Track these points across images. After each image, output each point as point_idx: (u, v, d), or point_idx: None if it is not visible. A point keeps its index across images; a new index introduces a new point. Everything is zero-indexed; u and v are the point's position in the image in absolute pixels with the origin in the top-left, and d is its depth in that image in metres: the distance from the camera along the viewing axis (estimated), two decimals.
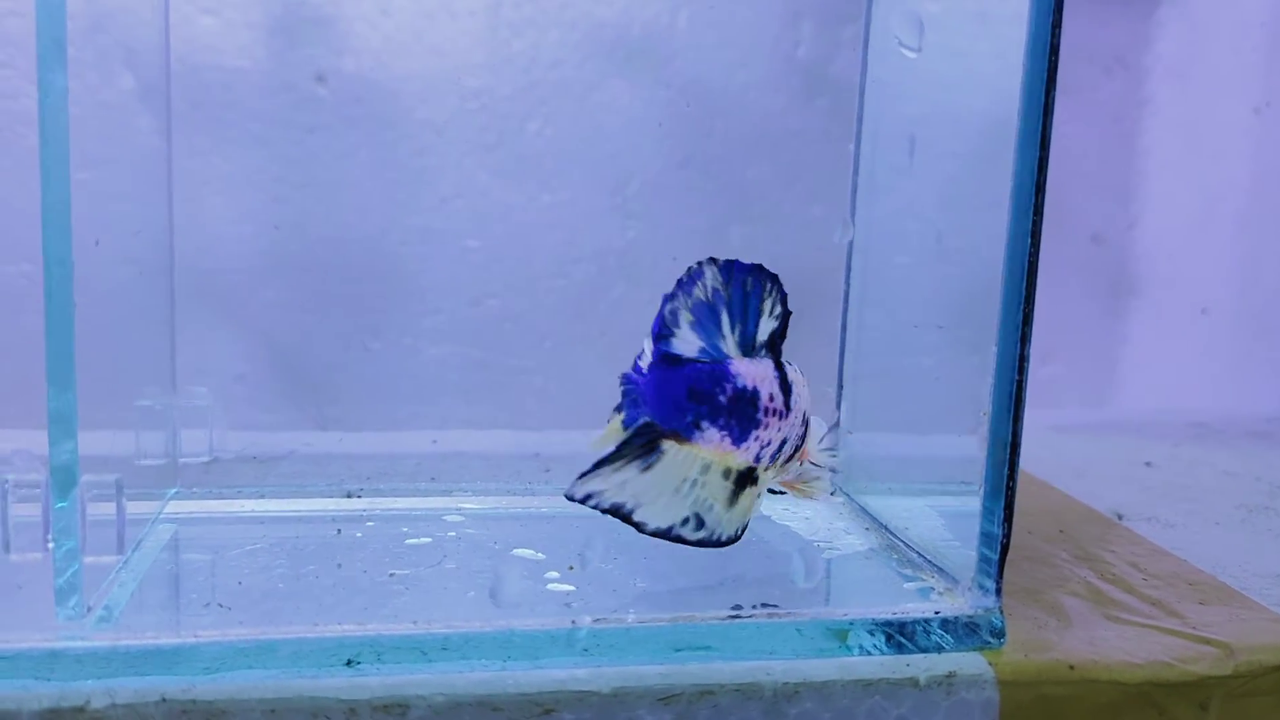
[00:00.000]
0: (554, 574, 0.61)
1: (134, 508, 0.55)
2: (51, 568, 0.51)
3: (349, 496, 0.71)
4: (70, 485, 0.50)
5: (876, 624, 0.55)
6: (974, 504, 0.55)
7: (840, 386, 0.78)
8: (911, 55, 0.69)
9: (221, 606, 0.55)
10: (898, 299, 0.73)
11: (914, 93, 0.73)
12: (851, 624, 0.55)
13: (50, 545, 0.50)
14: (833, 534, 0.71)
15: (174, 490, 0.74)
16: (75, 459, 0.50)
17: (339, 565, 0.61)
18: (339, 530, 0.66)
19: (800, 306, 0.93)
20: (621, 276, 0.93)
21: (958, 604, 0.58)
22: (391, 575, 0.60)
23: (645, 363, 0.62)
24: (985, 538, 0.56)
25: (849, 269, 0.82)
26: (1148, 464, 0.99)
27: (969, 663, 0.54)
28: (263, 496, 0.72)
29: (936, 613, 0.57)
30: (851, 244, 0.80)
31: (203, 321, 0.86)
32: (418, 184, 0.89)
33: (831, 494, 0.68)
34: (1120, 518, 0.82)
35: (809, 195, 0.95)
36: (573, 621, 0.53)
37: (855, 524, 0.73)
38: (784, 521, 0.72)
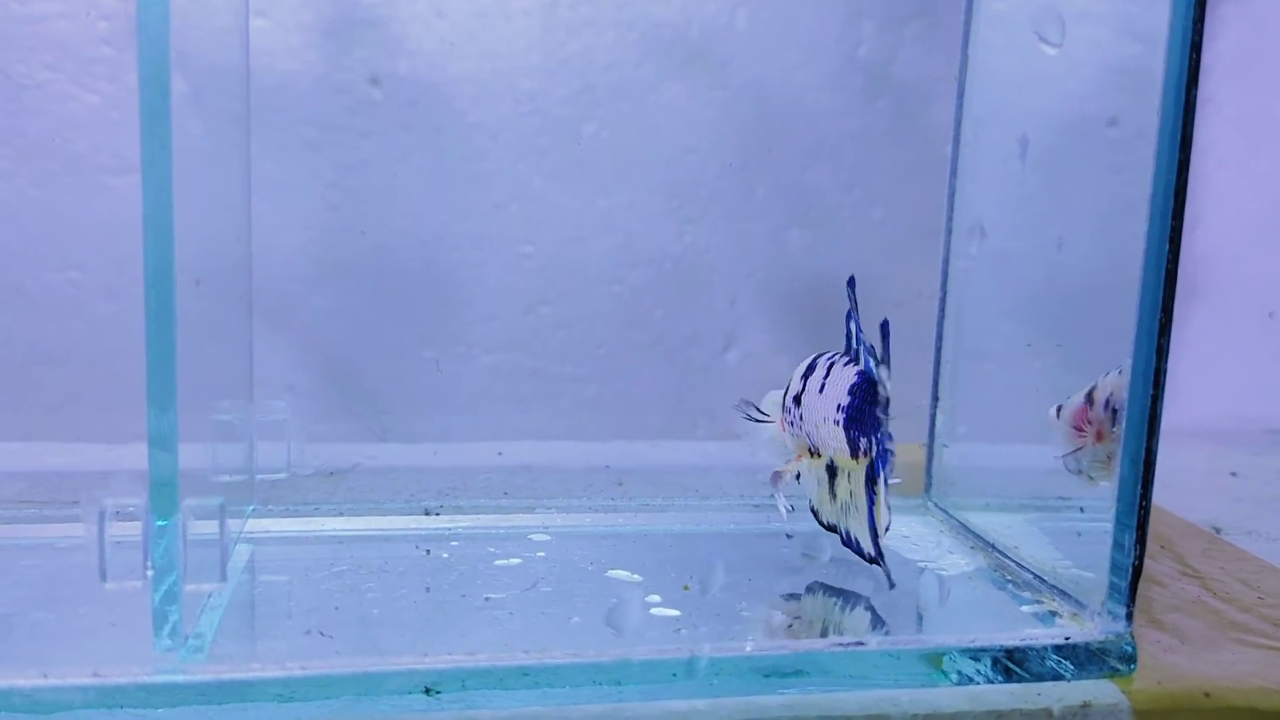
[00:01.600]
0: (655, 597, 0.58)
1: (211, 527, 0.53)
2: (150, 596, 0.48)
3: (428, 514, 0.68)
4: (172, 510, 0.48)
5: (1000, 650, 0.53)
6: (1082, 521, 0.53)
7: (935, 398, 0.76)
8: (1052, 52, 0.66)
9: (323, 635, 0.52)
10: (999, 307, 0.70)
11: (1028, 91, 0.70)
12: (976, 651, 0.53)
13: (149, 573, 0.47)
14: (938, 552, 0.68)
15: (251, 508, 0.72)
16: (176, 482, 0.47)
17: (427, 589, 0.58)
18: (427, 551, 0.63)
19: (869, 312, 0.91)
20: (677, 282, 0.91)
21: (1087, 629, 0.55)
22: (488, 600, 0.57)
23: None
24: (1116, 557, 0.53)
25: (945, 275, 0.79)
26: (1233, 474, 0.96)
27: (1102, 692, 0.52)
28: (340, 514, 0.70)
29: (1067, 639, 0.54)
30: (948, 250, 0.77)
31: (253, 330, 0.85)
32: (471, 189, 0.87)
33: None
34: (1218, 531, 0.79)
35: (869, 199, 0.93)
36: (691, 651, 0.51)
37: (958, 542, 0.70)
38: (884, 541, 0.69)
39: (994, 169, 0.74)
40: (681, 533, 0.66)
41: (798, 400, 0.65)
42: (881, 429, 0.58)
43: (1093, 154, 0.62)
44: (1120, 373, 0.53)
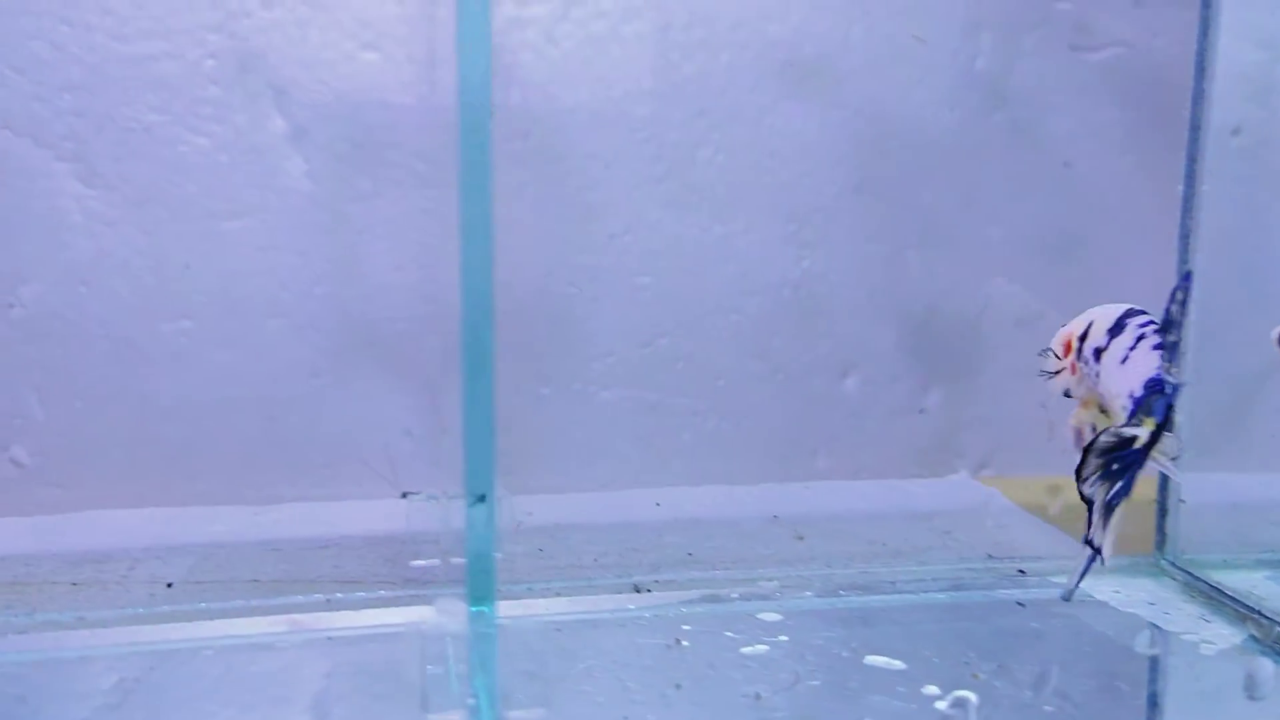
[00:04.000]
0: (932, 688, 0.53)
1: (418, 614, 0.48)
2: None
3: (638, 590, 0.64)
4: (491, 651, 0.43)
5: None
6: None
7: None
8: None
9: None
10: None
11: None
12: None
13: (471, 701, 0.43)
14: (1191, 623, 0.63)
15: (455, 591, 0.64)
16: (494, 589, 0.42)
17: (678, 686, 0.54)
18: (677, 640, 0.58)
19: (991, 333, 0.88)
20: (796, 309, 0.88)
21: None
22: (759, 698, 0.53)
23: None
24: None
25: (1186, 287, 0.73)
26: None
27: None
28: (552, 594, 0.63)
29: None
30: (1184, 258, 0.72)
31: (366, 374, 0.82)
32: (586, 220, 0.84)
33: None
34: None
35: (987, 216, 0.90)
36: None
37: (1210, 608, 0.64)
38: (1128, 608, 0.65)
39: (1240, 178, 0.70)
40: (907, 604, 0.62)
41: (1099, 354, 0.62)
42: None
43: None
44: None
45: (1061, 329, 0.63)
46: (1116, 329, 0.60)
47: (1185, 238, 0.71)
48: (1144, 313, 0.62)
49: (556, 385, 0.85)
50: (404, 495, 0.81)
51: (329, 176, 0.79)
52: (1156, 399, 0.56)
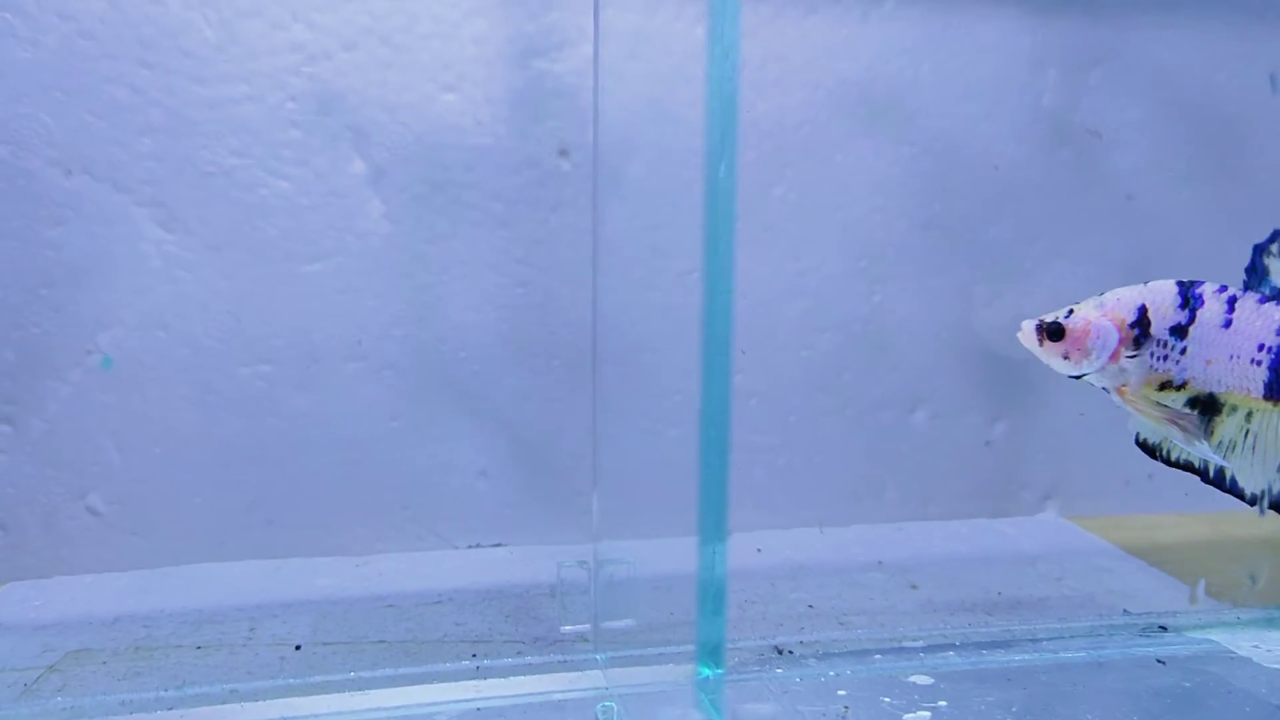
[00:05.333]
0: None
1: (569, 681, 0.45)
2: None
3: (780, 652, 0.62)
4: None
5: None
6: None
7: None
8: None
9: None
10: None
11: None
12: None
13: None
14: None
15: (601, 657, 0.62)
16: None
17: None
18: (845, 709, 0.56)
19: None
20: (866, 343, 0.88)
21: None
22: None
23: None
24: None
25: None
26: None
27: None
28: (688, 660, 0.57)
29: None
30: None
31: (443, 414, 0.81)
32: (659, 257, 0.84)
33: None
34: None
35: (1052, 250, 0.90)
36: None
37: None
38: (1271, 664, 0.63)
39: None
40: (1051, 664, 0.61)
41: (1178, 331, 0.62)
42: None
43: None
44: None
45: (1063, 321, 0.62)
46: (1193, 302, 0.61)
47: None
48: (1201, 282, 0.63)
49: (626, 424, 0.85)
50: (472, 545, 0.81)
51: (407, 218, 0.79)
52: None
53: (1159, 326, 0.62)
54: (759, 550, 0.77)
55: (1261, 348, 0.60)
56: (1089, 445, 0.92)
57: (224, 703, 0.50)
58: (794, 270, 0.86)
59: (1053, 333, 0.62)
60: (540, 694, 0.52)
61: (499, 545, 0.78)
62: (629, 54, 0.82)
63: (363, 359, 0.79)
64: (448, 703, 0.50)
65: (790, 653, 0.60)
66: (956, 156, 0.87)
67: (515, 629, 0.60)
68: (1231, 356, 0.60)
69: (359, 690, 0.51)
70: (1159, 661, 0.61)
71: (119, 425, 0.76)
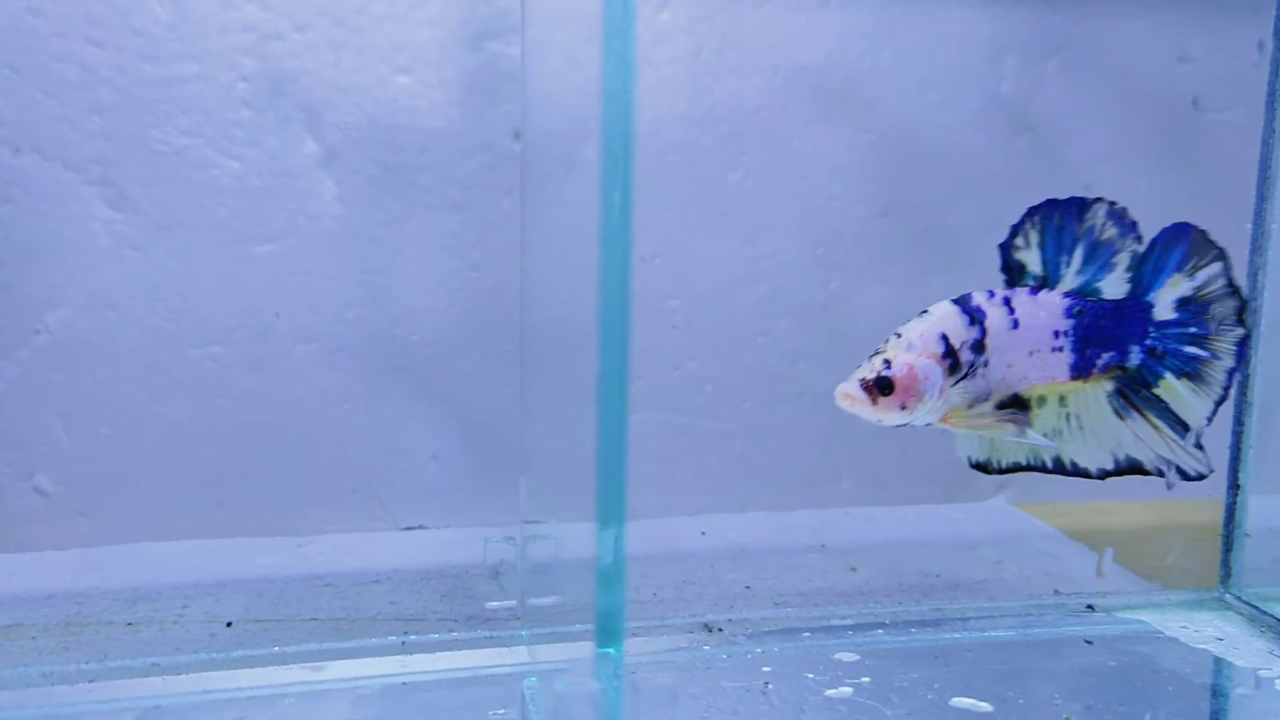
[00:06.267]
0: None
1: (496, 657, 0.46)
2: None
3: (709, 629, 0.63)
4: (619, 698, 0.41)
5: None
6: None
7: (1235, 458, 0.70)
8: None
9: None
10: None
11: None
12: None
13: None
14: (1259, 656, 0.62)
15: (527, 633, 0.63)
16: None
17: None
18: (767, 685, 0.58)
19: None
20: (823, 331, 0.88)
21: None
22: None
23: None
24: None
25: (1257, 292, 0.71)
26: None
27: None
28: (633, 635, 0.60)
29: None
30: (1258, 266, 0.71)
31: (396, 398, 0.81)
32: None
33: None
34: None
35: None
36: None
37: (1278, 643, 0.63)
38: (1198, 644, 0.64)
39: None
40: (979, 641, 0.62)
41: (977, 347, 0.62)
42: (1150, 336, 0.61)
43: None
44: None
45: (888, 374, 0.61)
46: (978, 315, 0.62)
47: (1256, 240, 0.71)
48: (970, 295, 0.65)
49: (585, 409, 0.85)
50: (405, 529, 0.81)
51: (360, 200, 0.78)
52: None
53: (962, 348, 0.62)
54: (703, 534, 0.77)
55: (1057, 334, 0.62)
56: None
57: (146, 676, 0.50)
58: (750, 256, 0.86)
59: (884, 388, 0.60)
60: (467, 669, 0.52)
61: (447, 527, 0.78)
62: (586, 38, 0.82)
63: (315, 341, 0.79)
64: (373, 678, 0.50)
65: (720, 630, 0.61)
66: (915, 144, 0.87)
67: (450, 608, 0.60)
68: (1031, 353, 0.61)
69: (282, 665, 0.51)
70: (1086, 641, 0.61)
71: (67, 406, 0.76)
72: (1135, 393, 0.64)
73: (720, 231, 0.85)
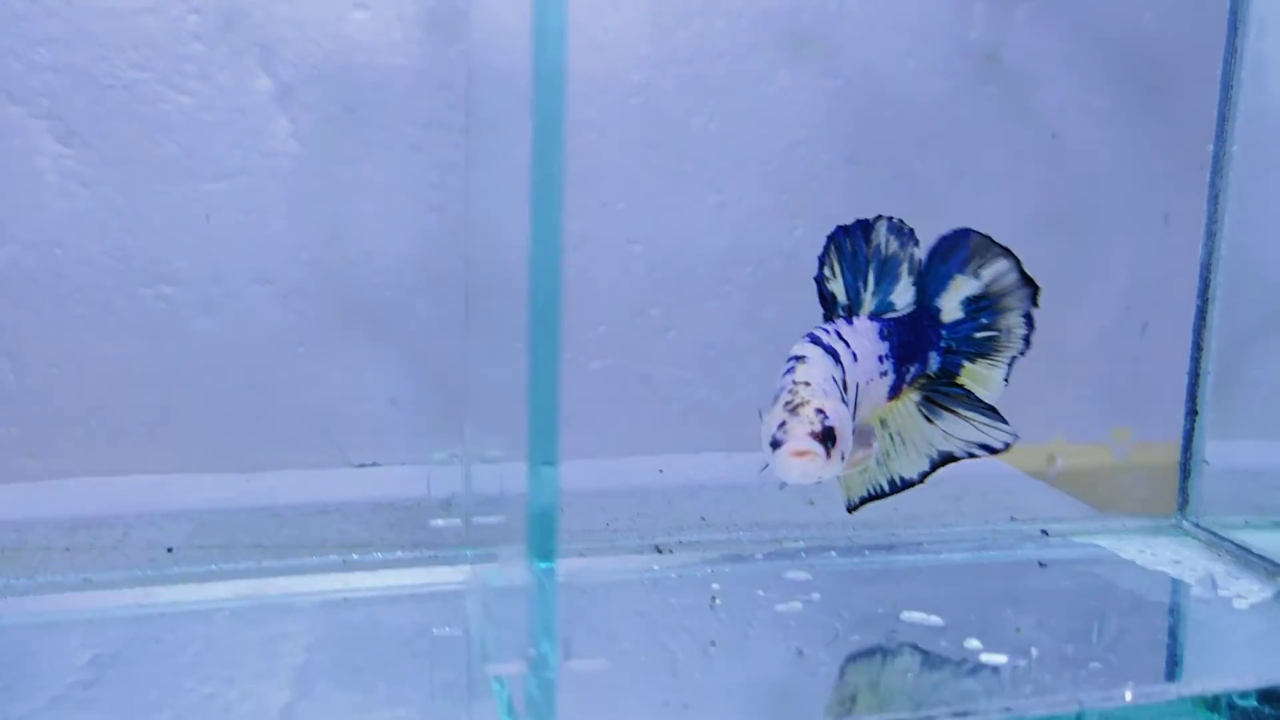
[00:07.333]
0: (974, 642, 0.53)
1: (442, 575, 0.46)
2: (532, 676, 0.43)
3: (660, 551, 0.62)
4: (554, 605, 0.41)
5: None
6: None
7: (1192, 393, 0.70)
8: None
9: (686, 707, 0.47)
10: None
11: None
12: None
13: (533, 653, 0.42)
14: (1216, 578, 0.63)
15: (471, 552, 0.64)
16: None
17: (713, 643, 0.53)
18: (714, 600, 0.58)
19: None
20: (788, 279, 0.87)
21: None
22: (801, 654, 0.52)
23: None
24: None
25: (1207, 267, 0.72)
26: None
27: None
28: (580, 555, 0.61)
29: None
30: (1213, 240, 0.72)
31: (353, 341, 0.80)
32: (578, 187, 0.82)
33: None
34: None
35: (977, 187, 0.90)
36: (1080, 701, 0.47)
37: (1240, 566, 0.64)
38: (1154, 566, 0.65)
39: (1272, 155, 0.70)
40: (934, 564, 0.62)
41: (843, 385, 0.61)
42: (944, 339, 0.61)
43: None
44: None
45: (828, 425, 0.56)
46: (833, 353, 0.61)
47: (1214, 199, 0.71)
48: (815, 335, 0.63)
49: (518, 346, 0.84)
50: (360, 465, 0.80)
51: (316, 139, 0.77)
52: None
53: (850, 390, 0.60)
54: (661, 471, 0.76)
55: (881, 359, 0.62)
56: (1014, 375, 0.92)
57: (79, 590, 0.48)
58: (714, 203, 0.85)
59: (830, 437, 0.55)
60: (407, 586, 0.51)
61: (401, 464, 0.77)
62: None
63: (269, 282, 0.78)
64: (312, 594, 0.49)
65: (670, 552, 0.60)
66: (882, 90, 0.87)
67: (397, 536, 0.59)
68: (869, 380, 0.61)
69: (220, 580, 0.50)
70: (1041, 564, 0.61)
71: (14, 345, 0.74)
72: (939, 392, 0.65)
73: (683, 177, 0.84)
